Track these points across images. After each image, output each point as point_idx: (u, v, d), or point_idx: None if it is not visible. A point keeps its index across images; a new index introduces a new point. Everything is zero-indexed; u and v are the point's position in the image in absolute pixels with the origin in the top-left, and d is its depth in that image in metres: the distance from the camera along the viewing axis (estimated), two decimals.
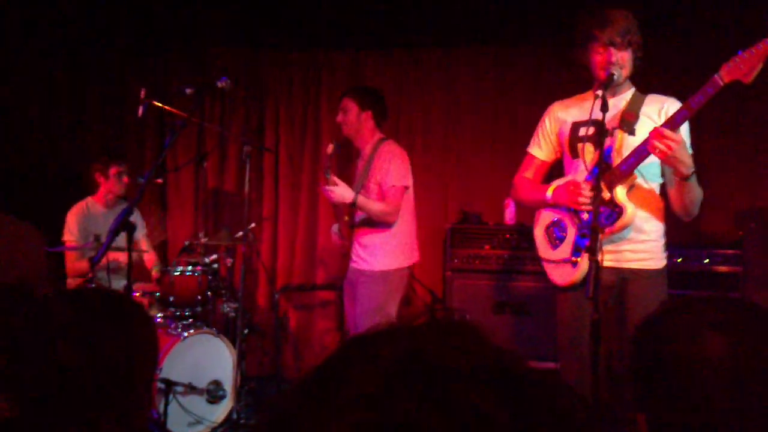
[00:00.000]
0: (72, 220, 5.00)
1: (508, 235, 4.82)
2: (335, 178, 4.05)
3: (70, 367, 1.29)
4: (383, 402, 0.56)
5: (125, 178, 5.07)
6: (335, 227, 4.40)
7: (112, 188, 5.06)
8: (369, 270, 4.13)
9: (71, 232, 4.98)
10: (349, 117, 4.25)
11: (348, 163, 5.64)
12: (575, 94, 3.29)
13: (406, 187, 4.15)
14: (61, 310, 1.34)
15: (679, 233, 4.40)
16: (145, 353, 1.43)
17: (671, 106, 3.00)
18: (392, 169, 4.10)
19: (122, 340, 1.36)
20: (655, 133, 2.75)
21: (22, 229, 1.95)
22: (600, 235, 2.71)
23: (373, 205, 4.08)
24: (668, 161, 2.81)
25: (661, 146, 2.73)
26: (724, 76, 2.71)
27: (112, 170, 5.03)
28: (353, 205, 4.07)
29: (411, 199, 4.24)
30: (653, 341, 1.22)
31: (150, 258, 5.26)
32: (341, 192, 4.04)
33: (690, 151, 2.94)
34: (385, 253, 4.13)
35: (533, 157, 3.36)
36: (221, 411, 4.45)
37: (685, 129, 2.98)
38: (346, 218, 4.24)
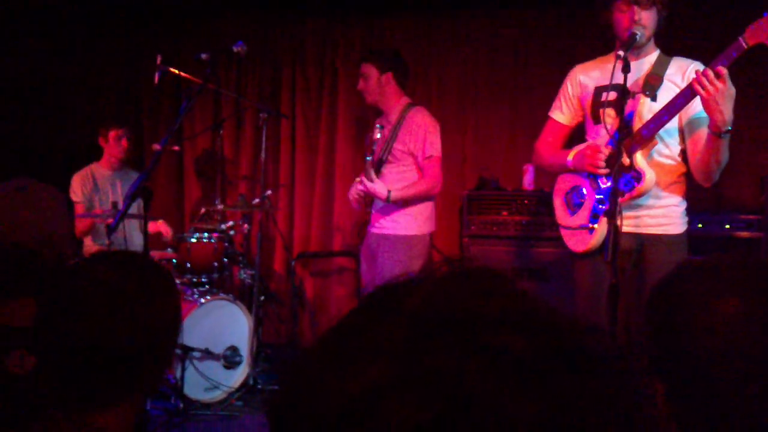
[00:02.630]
0: (76, 183, 5.06)
1: (526, 201, 4.77)
2: (373, 175, 3.96)
3: (104, 333, 1.28)
4: (407, 352, 0.54)
5: (124, 141, 5.10)
6: (354, 192, 4.30)
7: (112, 152, 5.10)
8: (393, 235, 4.07)
9: (75, 194, 5.03)
10: (370, 83, 4.14)
11: (362, 127, 5.61)
12: (596, 56, 3.22)
13: (441, 158, 4.09)
14: (102, 273, 1.33)
15: (699, 198, 4.34)
16: (173, 316, 1.42)
17: (695, 69, 2.93)
18: (430, 140, 4.02)
19: (151, 303, 1.35)
20: (701, 74, 2.64)
21: (47, 192, 1.94)
22: (619, 200, 2.67)
23: (409, 191, 4.01)
24: (710, 106, 2.68)
25: (709, 86, 2.62)
26: (748, 39, 2.63)
27: (111, 133, 5.08)
28: (387, 200, 3.97)
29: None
30: (667, 305, 1.20)
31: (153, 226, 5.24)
32: (379, 189, 3.95)
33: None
34: (409, 219, 4.07)
35: (555, 121, 3.30)
36: (238, 376, 4.48)
37: None
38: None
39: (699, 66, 2.94)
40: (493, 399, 0.52)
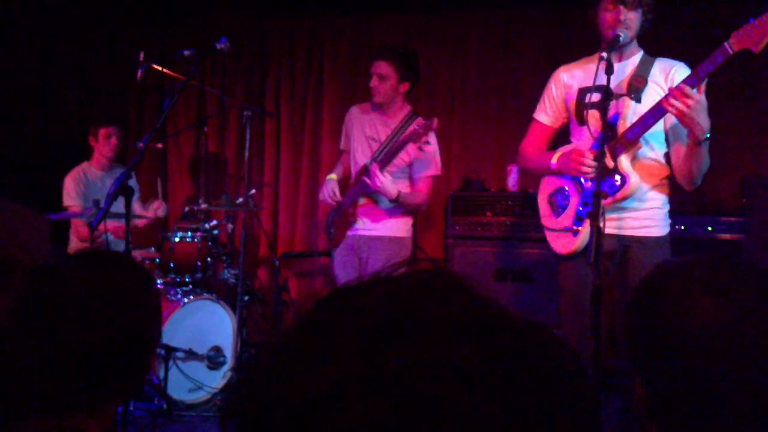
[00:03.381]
0: (70, 185, 4.99)
1: (510, 202, 4.78)
2: (387, 174, 3.86)
3: (80, 333, 1.26)
4: (362, 354, 0.54)
5: (113, 140, 5.06)
6: (334, 182, 4.21)
7: (102, 150, 5.07)
8: (385, 236, 4.04)
9: (71, 197, 4.97)
10: (385, 86, 3.99)
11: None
12: (583, 57, 3.23)
13: (437, 176, 4.13)
14: (72, 273, 1.31)
15: (682, 200, 4.36)
16: (152, 316, 1.40)
17: (678, 71, 2.95)
18: (435, 161, 4.03)
19: (129, 303, 1.33)
20: (675, 91, 2.66)
21: (27, 216, 1.93)
22: (603, 202, 2.68)
23: (412, 199, 3.98)
24: (684, 121, 2.71)
25: (678, 104, 2.64)
26: (733, 45, 2.64)
27: (101, 131, 5.05)
28: (395, 201, 3.90)
29: None
30: (646, 304, 1.21)
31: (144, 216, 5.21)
32: (389, 187, 3.85)
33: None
34: (399, 221, 4.06)
35: (539, 123, 3.31)
36: (221, 377, 4.46)
37: None
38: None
39: (683, 67, 2.95)
40: (444, 404, 0.52)
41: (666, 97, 2.70)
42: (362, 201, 4.10)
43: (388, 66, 3.97)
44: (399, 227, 4.07)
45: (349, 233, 4.15)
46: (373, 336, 0.55)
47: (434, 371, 0.53)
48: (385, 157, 3.94)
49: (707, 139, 2.77)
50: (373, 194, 4.01)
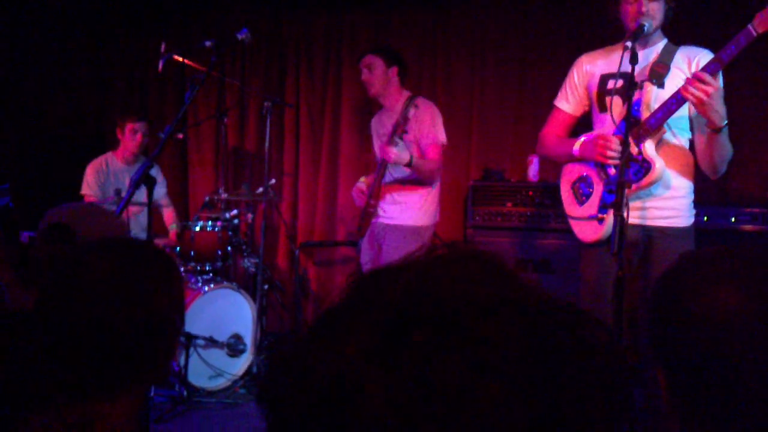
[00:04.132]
0: (90, 174, 5.00)
1: (530, 192, 4.75)
2: (397, 140, 3.93)
3: (105, 320, 1.27)
4: (388, 330, 0.54)
5: (139, 136, 5.02)
6: (362, 184, 4.34)
7: (127, 144, 5.05)
8: (402, 225, 4.12)
9: (89, 185, 4.99)
10: (375, 74, 4.19)
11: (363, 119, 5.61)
12: (603, 46, 3.20)
13: (444, 144, 4.14)
14: (103, 260, 1.32)
15: (705, 191, 4.32)
16: (175, 303, 1.41)
17: (703, 58, 2.91)
18: (432, 126, 4.08)
19: (154, 290, 1.34)
20: (692, 79, 2.65)
21: (101, 213, 2.04)
22: (627, 191, 2.66)
23: (426, 165, 4.05)
24: (702, 109, 2.69)
25: (697, 92, 2.63)
26: (757, 26, 2.61)
27: (128, 126, 5.01)
28: (409, 165, 3.97)
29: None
30: (669, 295, 1.20)
31: (169, 214, 5.27)
32: (400, 152, 3.92)
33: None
34: (418, 209, 4.13)
35: (560, 110, 3.28)
36: (241, 364, 4.48)
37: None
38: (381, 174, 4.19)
39: (707, 54, 2.92)
40: (464, 387, 0.51)
41: (684, 84, 2.67)
42: (382, 190, 4.17)
43: (373, 56, 4.21)
44: (415, 215, 4.13)
45: (373, 221, 4.25)
46: (397, 316, 0.55)
47: (455, 353, 0.52)
48: (389, 138, 4.02)
49: (725, 126, 2.74)
50: (391, 180, 4.11)
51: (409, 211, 4.13)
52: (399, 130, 3.92)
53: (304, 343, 0.58)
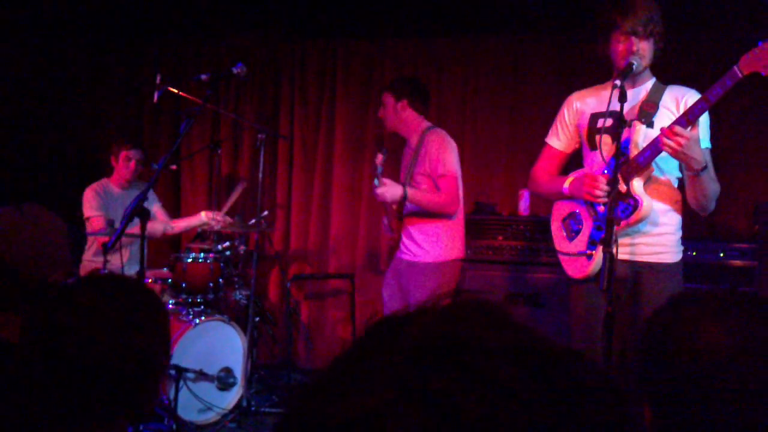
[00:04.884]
0: (91, 196, 4.97)
1: (521, 226, 4.78)
2: (383, 179, 3.91)
3: (87, 356, 1.28)
4: (406, 379, 0.56)
5: (132, 164, 5.03)
6: (385, 220, 4.35)
7: (121, 172, 5.06)
8: (423, 262, 4.06)
9: (93, 207, 4.94)
10: (387, 111, 4.24)
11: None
12: (594, 84, 3.26)
13: (455, 175, 4.06)
14: (88, 296, 1.34)
15: (694, 226, 4.36)
16: (160, 342, 1.42)
17: (690, 98, 2.96)
18: (442, 158, 4.01)
19: (138, 328, 1.35)
20: (666, 131, 2.73)
21: (48, 217, 1.97)
22: (615, 228, 2.69)
23: (426, 196, 4.01)
24: (678, 157, 2.78)
25: (671, 143, 2.71)
26: (743, 68, 2.66)
27: (122, 153, 5.02)
28: (405, 199, 3.98)
29: (461, 189, 4.15)
30: (658, 334, 1.23)
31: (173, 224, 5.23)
32: (391, 191, 3.92)
33: (708, 145, 2.95)
34: (439, 244, 4.06)
35: (551, 147, 3.32)
36: (232, 398, 4.46)
37: (704, 120, 2.95)
38: (395, 207, 4.19)
39: (694, 94, 2.97)
40: (486, 424, 0.53)
41: (659, 136, 2.76)
42: (404, 227, 4.18)
43: (385, 93, 4.27)
44: (437, 252, 4.06)
45: (396, 255, 4.24)
46: (418, 358, 0.56)
47: (479, 391, 0.54)
48: (406, 179, 4.07)
49: (704, 168, 2.81)
50: (407, 212, 4.13)
51: (428, 246, 4.06)
52: (412, 174, 3.96)
53: (319, 392, 0.60)
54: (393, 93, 4.22)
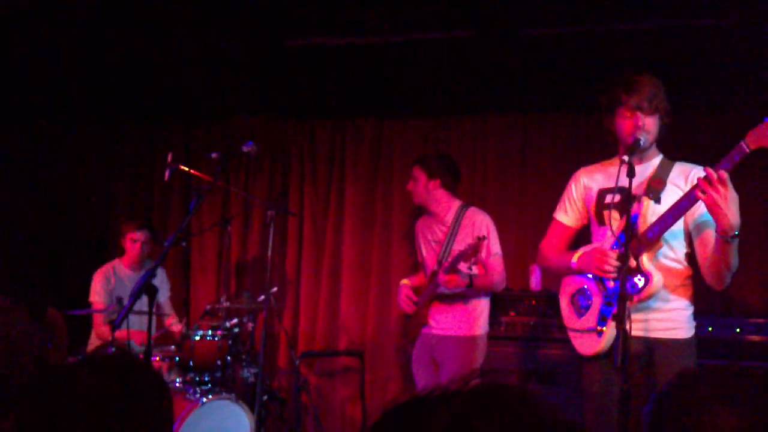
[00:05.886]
0: (98, 281, 5.03)
1: (533, 302, 4.74)
2: (454, 269, 4.04)
3: None
4: None
5: (138, 245, 5.07)
6: (408, 288, 4.39)
7: (129, 253, 5.10)
8: (456, 336, 4.17)
9: (98, 293, 5.00)
10: (418, 187, 4.36)
11: (366, 226, 5.65)
12: (602, 158, 3.27)
13: (502, 256, 4.25)
14: (87, 380, 1.32)
15: (709, 301, 4.31)
16: (161, 424, 1.39)
17: (698, 174, 2.95)
18: (491, 239, 4.18)
19: (138, 411, 1.33)
20: (711, 175, 2.62)
21: (12, 312, 1.92)
22: (628, 303, 2.65)
23: (483, 281, 4.15)
24: (714, 209, 2.65)
25: (711, 191, 2.61)
26: (750, 143, 2.67)
27: (128, 236, 5.09)
28: (469, 287, 4.09)
29: None
30: (668, 413, 1.21)
31: (169, 321, 5.23)
32: (457, 283, 4.06)
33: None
34: (471, 318, 4.19)
35: (559, 223, 3.32)
36: None
37: None
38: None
39: (701, 171, 2.96)
40: None
41: (696, 185, 2.67)
42: (435, 302, 4.27)
43: (417, 169, 4.37)
44: (470, 325, 4.18)
45: (424, 331, 4.32)
46: None
47: None
48: (450, 264, 4.09)
49: (736, 236, 2.71)
50: (442, 294, 4.20)
51: (462, 320, 4.19)
52: (465, 259, 3.98)
53: None
54: (426, 170, 4.33)
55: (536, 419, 0.59)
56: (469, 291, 4.15)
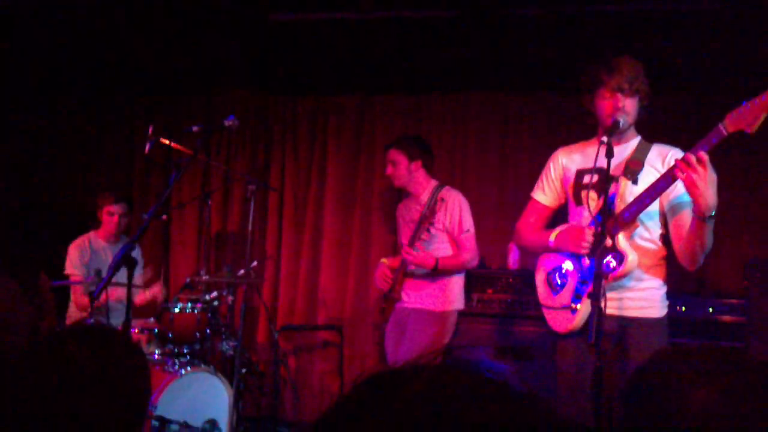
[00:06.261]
0: (74, 253, 5.00)
1: (511, 280, 4.79)
2: (420, 248, 4.16)
3: (67, 405, 1.27)
4: None
5: (115, 218, 5.04)
6: (386, 267, 4.44)
7: (105, 226, 5.08)
8: (424, 309, 4.24)
9: (74, 265, 4.97)
10: (399, 170, 4.39)
11: (347, 202, 5.67)
12: (583, 137, 3.29)
13: (474, 233, 4.31)
14: (71, 349, 1.33)
15: (683, 282, 4.38)
16: (138, 394, 1.41)
17: (675, 155, 2.99)
18: (463, 217, 4.25)
19: (116, 380, 1.34)
20: (690, 157, 2.65)
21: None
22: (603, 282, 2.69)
23: (452, 261, 4.22)
24: (693, 190, 2.68)
25: (691, 171, 2.64)
26: (728, 126, 2.69)
27: (105, 209, 5.05)
28: (434, 270, 4.16)
29: None
30: (643, 390, 1.23)
31: (141, 296, 5.18)
32: (425, 262, 4.15)
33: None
34: (440, 295, 4.25)
35: (537, 202, 3.35)
36: None
37: None
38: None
39: (679, 152, 3.00)
40: None
41: (676, 165, 2.70)
42: (408, 278, 4.33)
43: (396, 151, 4.39)
44: (441, 301, 4.24)
45: (397, 306, 4.38)
46: (406, 429, 0.56)
47: None
48: (412, 236, 4.21)
49: (712, 216, 2.75)
50: (414, 271, 4.27)
51: (432, 296, 4.26)
52: (424, 225, 4.10)
53: None
54: (405, 152, 4.37)
55: (496, 402, 0.60)
56: (437, 272, 4.21)
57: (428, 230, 4.15)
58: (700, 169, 2.65)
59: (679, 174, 2.69)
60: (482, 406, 0.58)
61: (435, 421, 0.56)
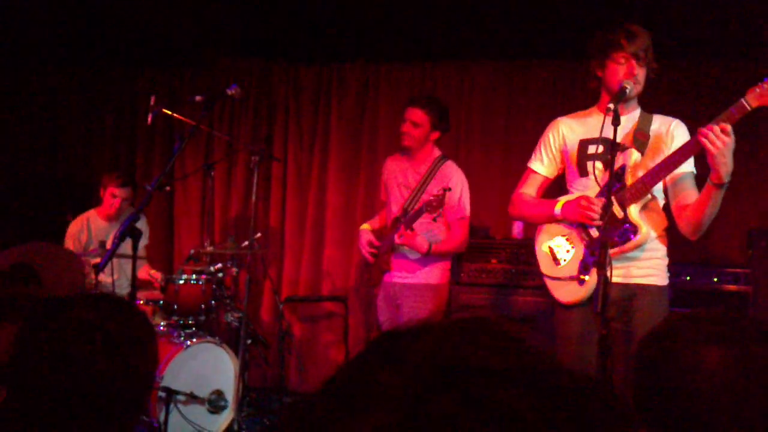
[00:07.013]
0: (72, 232, 5.00)
1: (515, 250, 4.78)
2: (415, 230, 3.94)
3: (81, 370, 1.28)
4: (409, 402, 0.55)
5: (117, 201, 4.99)
6: (368, 232, 4.34)
7: (106, 206, 5.05)
8: (418, 284, 4.11)
9: (72, 241, 4.96)
10: (418, 132, 4.10)
11: (351, 173, 5.65)
12: (587, 107, 3.26)
13: (469, 218, 4.20)
14: (82, 312, 1.33)
15: (688, 251, 4.37)
16: (149, 363, 1.41)
17: (677, 127, 3.00)
18: (463, 201, 4.10)
19: (133, 349, 1.35)
20: (716, 128, 2.65)
21: (63, 254, 2.03)
22: (610, 252, 2.68)
23: (444, 247, 4.09)
24: (716, 159, 2.68)
25: (718, 142, 2.64)
26: (751, 101, 2.66)
27: (109, 190, 4.99)
28: (426, 254, 4.02)
29: None
30: (654, 355, 1.24)
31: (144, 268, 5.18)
32: (417, 245, 3.96)
33: (693, 170, 3.00)
34: (433, 268, 4.12)
35: (534, 172, 3.31)
36: (222, 421, 4.42)
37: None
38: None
39: (680, 123, 3.00)
40: None
41: (702, 135, 2.69)
42: (393, 255, 4.18)
43: (423, 114, 4.09)
44: (433, 274, 4.13)
45: (386, 280, 4.23)
46: (420, 382, 0.55)
47: (483, 417, 0.53)
48: (409, 218, 3.99)
49: (726, 183, 2.76)
50: (402, 249, 4.10)
51: (426, 270, 4.12)
52: (431, 210, 3.81)
53: (321, 410, 0.58)
54: (431, 119, 4.09)
55: (513, 350, 0.60)
56: (427, 256, 4.06)
57: (434, 220, 3.94)
58: (726, 138, 2.65)
59: (707, 144, 2.67)
60: (504, 355, 0.58)
61: (457, 368, 0.56)
